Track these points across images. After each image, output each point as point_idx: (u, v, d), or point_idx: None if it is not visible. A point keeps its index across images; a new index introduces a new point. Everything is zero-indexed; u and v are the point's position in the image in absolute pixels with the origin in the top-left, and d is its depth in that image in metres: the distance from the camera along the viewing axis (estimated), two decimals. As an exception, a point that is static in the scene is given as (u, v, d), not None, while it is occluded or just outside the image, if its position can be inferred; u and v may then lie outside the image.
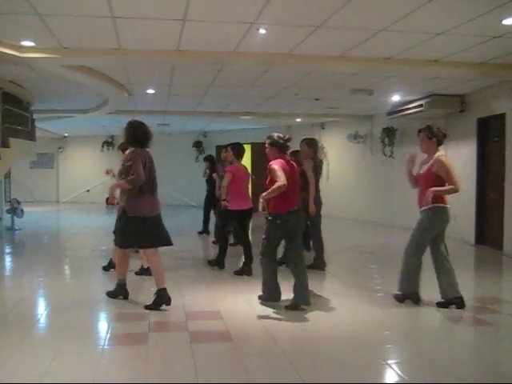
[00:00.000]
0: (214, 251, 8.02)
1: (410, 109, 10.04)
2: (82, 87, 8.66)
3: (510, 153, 8.12)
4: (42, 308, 5.30)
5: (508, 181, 8.18)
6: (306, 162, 6.73)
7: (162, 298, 4.92)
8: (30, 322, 4.56)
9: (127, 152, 5.15)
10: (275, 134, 5.18)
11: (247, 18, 5.24)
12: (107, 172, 5.52)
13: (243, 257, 6.77)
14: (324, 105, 11.10)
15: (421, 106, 9.58)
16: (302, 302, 5.03)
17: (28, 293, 5.85)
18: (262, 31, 5.61)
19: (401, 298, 5.21)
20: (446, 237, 5.21)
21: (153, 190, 5.05)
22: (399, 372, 3.58)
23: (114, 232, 5.23)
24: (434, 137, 5.08)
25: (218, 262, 6.90)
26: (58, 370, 3.46)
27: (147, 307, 4.90)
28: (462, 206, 9.46)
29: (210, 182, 9.92)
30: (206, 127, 17.05)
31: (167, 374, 3.54)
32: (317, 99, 10.32)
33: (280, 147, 5.12)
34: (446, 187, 4.92)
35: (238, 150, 6.98)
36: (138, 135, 5.05)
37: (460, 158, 9.66)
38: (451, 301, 5.02)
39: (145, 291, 5.49)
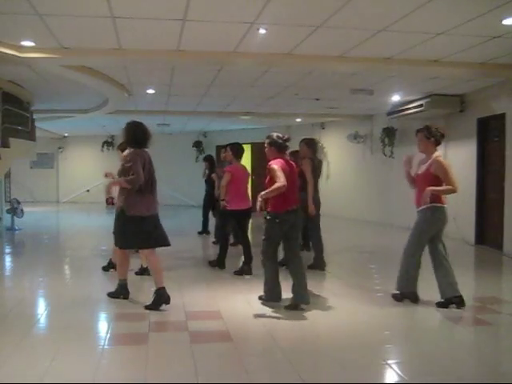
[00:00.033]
0: (214, 251, 8.02)
1: (410, 109, 10.04)
2: (82, 87, 8.66)
3: (510, 153, 8.12)
4: (41, 308, 5.30)
5: (508, 181, 8.17)
6: (305, 162, 6.74)
7: (161, 298, 4.92)
8: (30, 321, 4.56)
9: (126, 152, 5.13)
10: (274, 134, 5.19)
11: (247, 18, 5.24)
12: (106, 175, 5.50)
13: (243, 257, 6.77)
14: (324, 105, 11.10)
15: (421, 105, 9.58)
16: (301, 301, 5.04)
17: (28, 293, 5.84)
18: (262, 31, 5.61)
19: (399, 298, 5.22)
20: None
21: (152, 190, 5.06)
22: (399, 372, 3.58)
23: (114, 233, 5.23)
24: (432, 137, 5.08)
25: (218, 263, 6.90)
26: (58, 370, 3.46)
27: (147, 307, 4.90)
28: (461, 206, 9.46)
29: (209, 183, 9.92)
30: (206, 127, 17.05)
31: (167, 373, 3.53)
32: (317, 99, 10.32)
33: (279, 147, 5.14)
34: (444, 187, 4.93)
35: (237, 149, 6.98)
36: (137, 136, 5.05)
37: (460, 157, 9.67)
38: (451, 300, 5.02)
39: (145, 291, 5.48)
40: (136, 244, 5.07)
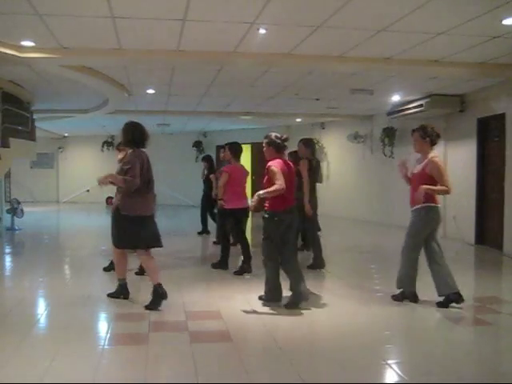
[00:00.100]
0: (214, 251, 8.03)
1: (410, 109, 10.05)
2: (82, 87, 8.67)
3: (510, 153, 8.12)
4: (42, 308, 5.30)
5: (508, 181, 8.17)
6: (302, 162, 6.76)
7: (158, 295, 4.92)
8: (30, 321, 4.56)
9: (126, 152, 5.15)
10: (273, 134, 5.21)
11: (247, 18, 5.25)
12: (99, 183, 5.34)
13: (242, 256, 6.78)
14: (324, 105, 11.10)
15: (421, 105, 9.58)
16: (300, 299, 5.07)
17: (28, 293, 5.84)
18: (262, 31, 5.62)
19: (400, 298, 5.22)
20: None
21: (148, 190, 5.08)
22: (399, 372, 3.58)
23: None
24: (427, 137, 5.11)
25: (221, 264, 6.89)
26: (58, 370, 3.46)
27: (147, 307, 4.90)
28: (461, 206, 9.47)
29: (207, 183, 9.92)
30: (206, 127, 17.06)
31: (167, 373, 3.54)
32: (317, 99, 10.32)
33: (277, 147, 5.15)
34: (438, 187, 4.96)
35: (235, 149, 6.99)
36: (135, 136, 5.08)
37: (460, 157, 9.68)
38: (449, 297, 5.01)
39: (145, 291, 5.48)
40: (129, 243, 5.08)
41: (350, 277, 6.84)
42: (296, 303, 5.04)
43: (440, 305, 5.04)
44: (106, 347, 3.99)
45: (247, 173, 7.17)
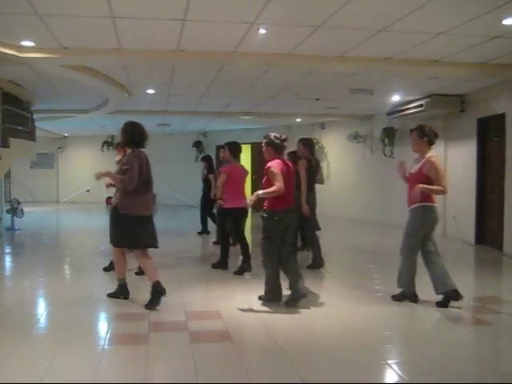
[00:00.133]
0: (214, 251, 8.03)
1: (410, 109, 10.04)
2: (82, 87, 8.66)
3: (510, 153, 8.12)
4: (42, 308, 5.30)
5: (508, 181, 8.17)
6: (301, 161, 6.76)
7: (157, 292, 4.93)
8: (30, 321, 4.56)
9: (125, 153, 5.16)
10: (272, 134, 5.22)
11: (247, 18, 5.24)
12: (97, 177, 5.36)
13: (241, 256, 6.79)
14: (324, 105, 11.10)
15: (421, 105, 9.57)
16: (299, 296, 5.11)
17: (28, 293, 5.84)
18: (262, 31, 5.62)
19: (400, 298, 5.22)
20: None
21: (147, 190, 5.09)
22: (399, 372, 3.58)
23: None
24: (425, 136, 5.12)
25: (221, 264, 6.89)
26: (58, 370, 3.46)
27: (147, 307, 4.91)
28: (461, 206, 9.48)
29: (206, 183, 9.93)
30: (206, 127, 17.06)
31: (167, 373, 3.54)
32: (317, 99, 10.32)
33: (276, 147, 5.17)
34: (434, 187, 4.98)
35: (234, 149, 6.99)
36: (134, 136, 5.10)
37: (460, 157, 9.68)
38: (447, 295, 5.02)
39: (145, 291, 5.47)
40: (127, 243, 5.09)
41: (350, 277, 6.84)
42: (295, 300, 5.07)
43: (439, 304, 5.04)
44: (105, 347, 3.99)
45: (246, 172, 7.17)
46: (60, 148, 19.89)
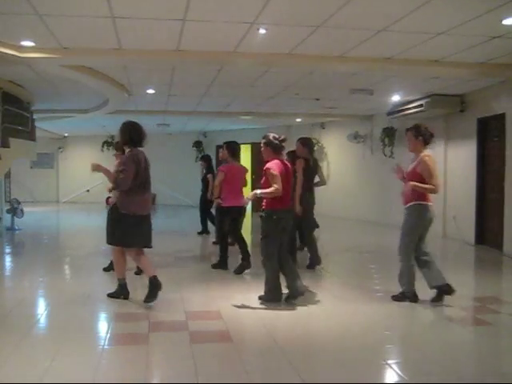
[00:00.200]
0: (214, 251, 8.02)
1: (410, 109, 10.04)
2: (82, 87, 8.67)
3: (510, 153, 8.12)
4: (41, 308, 5.30)
5: (508, 181, 8.17)
6: (298, 161, 6.76)
7: (154, 286, 4.98)
8: (30, 321, 4.56)
9: (126, 152, 5.20)
10: (271, 135, 5.23)
11: (247, 18, 5.24)
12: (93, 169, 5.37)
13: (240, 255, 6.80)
14: (324, 105, 11.10)
15: (421, 105, 9.57)
16: (297, 294, 5.19)
17: (28, 293, 5.84)
18: (262, 31, 5.62)
19: (400, 298, 5.23)
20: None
21: (145, 190, 5.12)
22: (399, 372, 3.58)
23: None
24: (420, 136, 5.13)
25: (221, 264, 6.89)
26: (58, 370, 3.46)
27: (146, 300, 4.97)
28: (462, 206, 9.48)
29: (205, 183, 9.93)
30: (206, 127, 17.06)
31: (167, 373, 3.54)
32: (317, 99, 10.32)
33: (274, 147, 5.18)
34: (426, 185, 4.99)
35: (233, 148, 7.00)
36: (132, 135, 5.13)
37: (460, 157, 9.68)
38: (440, 289, 5.08)
39: (145, 291, 5.48)
40: (121, 241, 5.11)
41: (350, 277, 6.85)
42: (294, 297, 5.16)
43: (434, 300, 5.11)
44: (105, 347, 3.99)
45: (246, 171, 7.17)
46: (60, 148, 19.89)
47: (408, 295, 5.19)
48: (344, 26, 5.47)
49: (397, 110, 10.60)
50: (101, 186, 16.93)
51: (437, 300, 5.11)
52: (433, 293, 5.18)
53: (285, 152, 5.61)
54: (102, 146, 18.84)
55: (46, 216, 15.13)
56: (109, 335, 4.25)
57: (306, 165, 6.76)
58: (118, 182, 4.97)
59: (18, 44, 6.18)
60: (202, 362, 3.62)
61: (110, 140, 18.76)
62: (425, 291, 5.23)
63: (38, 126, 12.38)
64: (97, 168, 5.15)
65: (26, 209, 11.49)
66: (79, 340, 4.10)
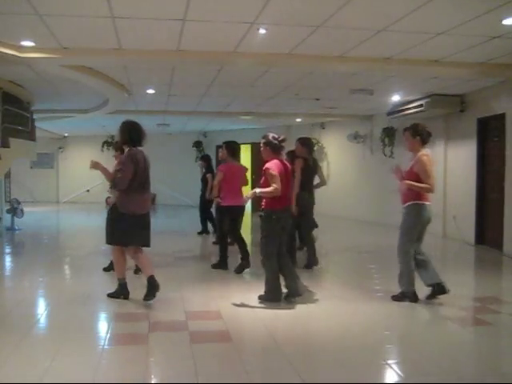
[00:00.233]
0: (214, 251, 8.02)
1: (410, 109, 10.03)
2: (82, 87, 8.66)
3: (510, 153, 8.12)
4: (41, 308, 5.30)
5: (508, 181, 8.17)
6: (297, 161, 6.77)
7: (152, 286, 4.99)
8: (30, 322, 4.56)
9: (125, 152, 5.21)
10: (270, 135, 5.24)
11: (247, 18, 5.24)
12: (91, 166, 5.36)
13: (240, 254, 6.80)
14: (324, 105, 11.10)
15: (421, 105, 9.57)
16: (296, 293, 5.23)
17: (28, 293, 5.84)
18: (262, 31, 5.62)
19: (400, 297, 5.23)
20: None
21: (145, 190, 5.14)
22: (399, 372, 3.59)
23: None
24: (417, 135, 5.14)
25: (220, 264, 6.90)
26: (58, 370, 3.46)
27: (145, 299, 4.99)
28: (462, 205, 9.48)
29: (204, 182, 9.93)
30: (206, 127, 17.06)
31: (167, 373, 3.54)
32: (317, 99, 10.32)
33: (273, 147, 5.19)
34: (421, 184, 5.00)
35: (232, 148, 7.00)
36: (132, 135, 5.14)
37: (460, 157, 9.68)
38: (435, 288, 5.13)
39: (144, 290, 5.48)
40: (120, 240, 5.12)
41: (350, 277, 6.85)
42: (293, 295, 5.19)
43: (428, 297, 5.16)
44: (105, 347, 3.99)
45: (246, 170, 7.18)
46: (60, 148, 19.89)
47: (408, 295, 5.19)
48: (344, 26, 5.47)
49: (397, 110, 10.59)
50: (101, 186, 16.94)
51: (430, 297, 5.17)
52: (429, 290, 5.21)
53: (284, 152, 5.61)
54: (102, 146, 18.84)
55: (45, 216, 15.13)
56: (109, 335, 4.25)
57: (305, 165, 6.76)
58: (116, 181, 4.99)
59: (18, 44, 6.18)
60: (202, 362, 3.62)
61: (110, 140, 18.74)
62: (424, 291, 5.23)
63: (37, 125, 12.38)
64: (95, 166, 5.15)
65: (25, 209, 11.49)
66: (79, 340, 4.10)
